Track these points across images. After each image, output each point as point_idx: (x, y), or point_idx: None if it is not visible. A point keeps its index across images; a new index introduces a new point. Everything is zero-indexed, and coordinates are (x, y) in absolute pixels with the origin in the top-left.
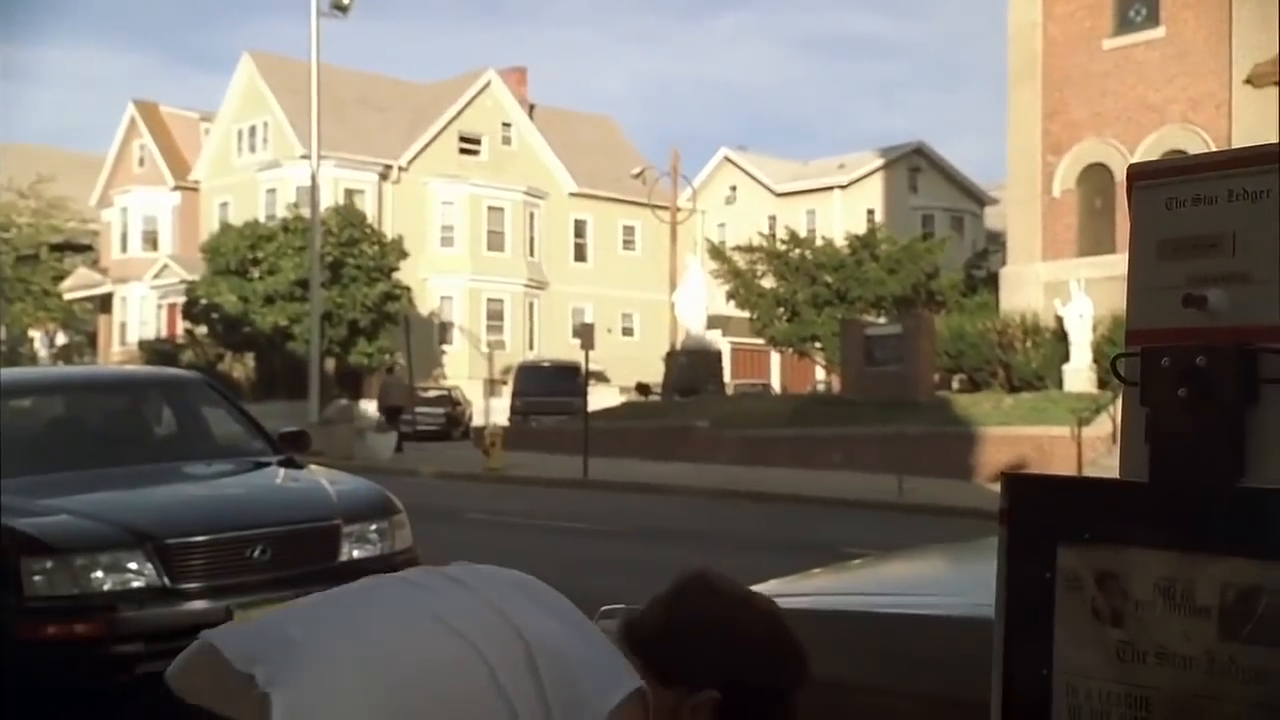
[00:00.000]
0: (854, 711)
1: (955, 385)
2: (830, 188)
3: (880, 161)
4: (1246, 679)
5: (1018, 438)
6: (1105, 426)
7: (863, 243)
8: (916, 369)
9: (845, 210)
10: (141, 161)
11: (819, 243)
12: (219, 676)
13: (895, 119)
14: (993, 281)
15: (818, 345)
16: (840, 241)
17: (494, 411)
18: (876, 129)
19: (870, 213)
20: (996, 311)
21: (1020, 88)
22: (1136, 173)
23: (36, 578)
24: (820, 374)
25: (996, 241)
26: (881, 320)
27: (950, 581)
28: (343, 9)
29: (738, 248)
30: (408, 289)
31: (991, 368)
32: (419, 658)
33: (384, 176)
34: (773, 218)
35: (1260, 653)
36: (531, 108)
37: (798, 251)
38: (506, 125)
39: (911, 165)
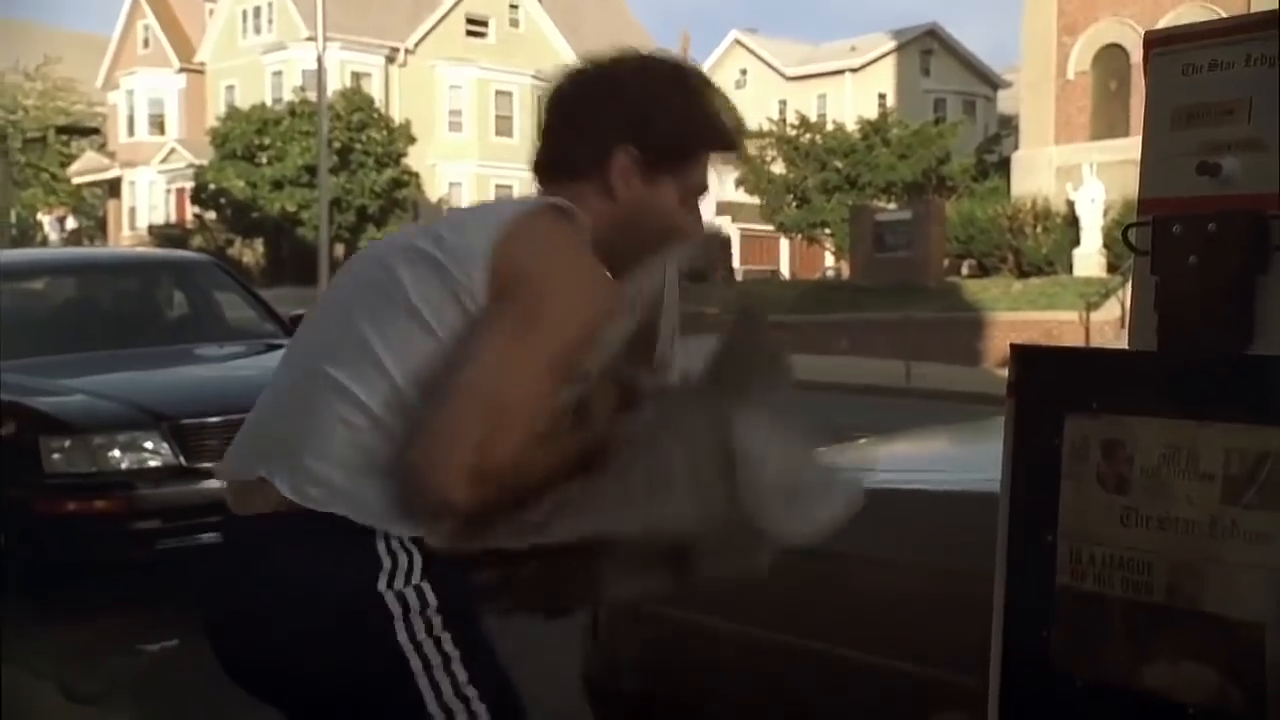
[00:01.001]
0: (858, 582)
1: (965, 271)
2: (841, 71)
3: (892, 44)
4: (1248, 541)
5: (1026, 323)
6: (1114, 311)
7: (874, 127)
8: (926, 255)
9: (856, 94)
10: (146, 43)
11: (829, 127)
12: None
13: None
14: (1004, 166)
15: (827, 231)
16: (851, 126)
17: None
18: (888, 10)
19: (882, 97)
20: (1008, 197)
21: None
22: (1154, 40)
23: (55, 455)
24: (829, 260)
25: (1009, 126)
26: (892, 206)
27: (955, 458)
28: None
29: (747, 134)
30: (416, 175)
31: (1001, 253)
32: None
33: (391, 59)
34: (783, 102)
35: (1262, 517)
36: None
37: (808, 136)
38: (514, 7)
39: (924, 48)
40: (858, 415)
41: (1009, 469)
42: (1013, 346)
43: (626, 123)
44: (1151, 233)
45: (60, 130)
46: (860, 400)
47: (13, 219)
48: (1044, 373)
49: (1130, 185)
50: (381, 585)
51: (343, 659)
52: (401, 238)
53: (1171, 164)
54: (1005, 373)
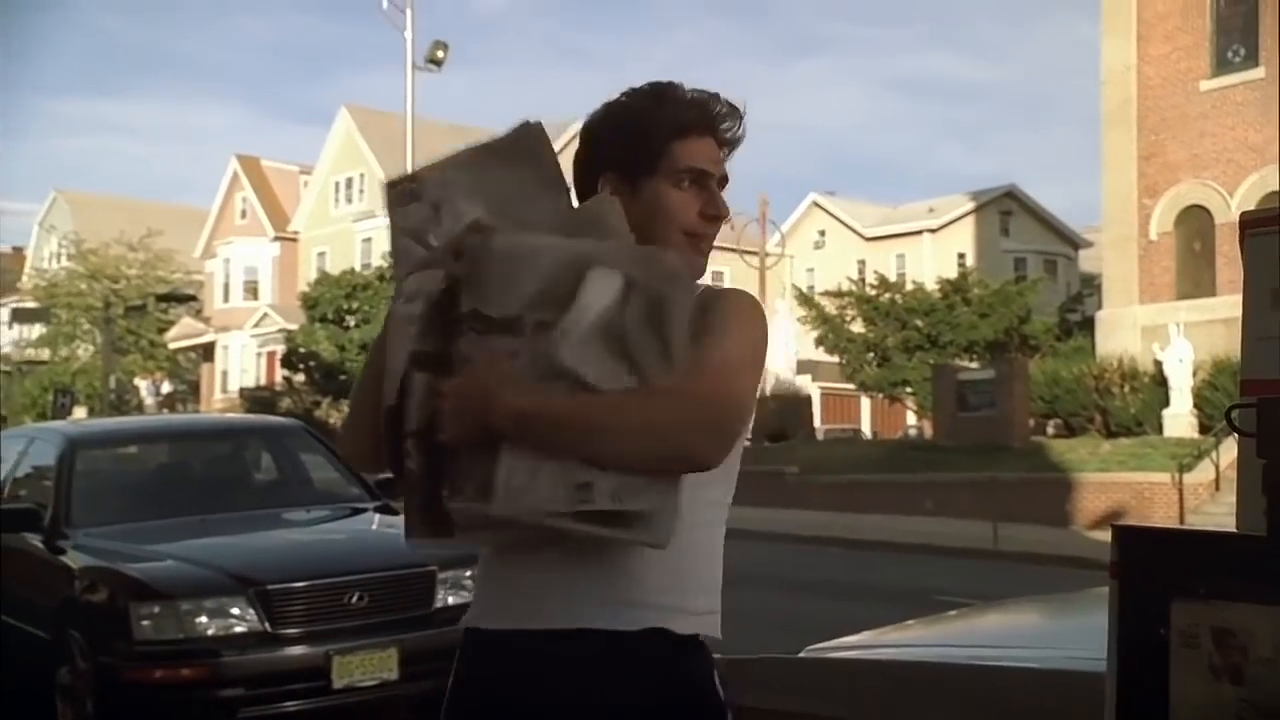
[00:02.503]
0: None
1: (1050, 431)
2: (920, 231)
3: (971, 204)
4: None
5: (1116, 484)
6: (1208, 473)
7: (954, 286)
8: (1010, 414)
9: (935, 254)
10: (243, 214)
11: (909, 287)
12: None
13: (986, 161)
14: (1088, 325)
15: (909, 390)
16: (931, 285)
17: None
18: (967, 171)
19: (961, 256)
20: (1092, 356)
21: (1115, 130)
22: (1249, 221)
23: (144, 622)
24: (911, 419)
25: (1091, 285)
26: (974, 365)
27: (1049, 634)
28: (437, 63)
29: (827, 292)
30: None
31: (1088, 413)
32: None
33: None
34: (862, 262)
35: None
36: None
37: (887, 296)
38: None
39: (1003, 208)
40: (946, 578)
41: (1114, 655)
42: (1114, 527)
43: (592, 156)
44: (1257, 414)
45: (160, 298)
46: (947, 562)
47: (112, 384)
48: (1148, 554)
49: (1218, 345)
50: None
51: None
52: None
53: (1273, 344)
54: (1095, 535)
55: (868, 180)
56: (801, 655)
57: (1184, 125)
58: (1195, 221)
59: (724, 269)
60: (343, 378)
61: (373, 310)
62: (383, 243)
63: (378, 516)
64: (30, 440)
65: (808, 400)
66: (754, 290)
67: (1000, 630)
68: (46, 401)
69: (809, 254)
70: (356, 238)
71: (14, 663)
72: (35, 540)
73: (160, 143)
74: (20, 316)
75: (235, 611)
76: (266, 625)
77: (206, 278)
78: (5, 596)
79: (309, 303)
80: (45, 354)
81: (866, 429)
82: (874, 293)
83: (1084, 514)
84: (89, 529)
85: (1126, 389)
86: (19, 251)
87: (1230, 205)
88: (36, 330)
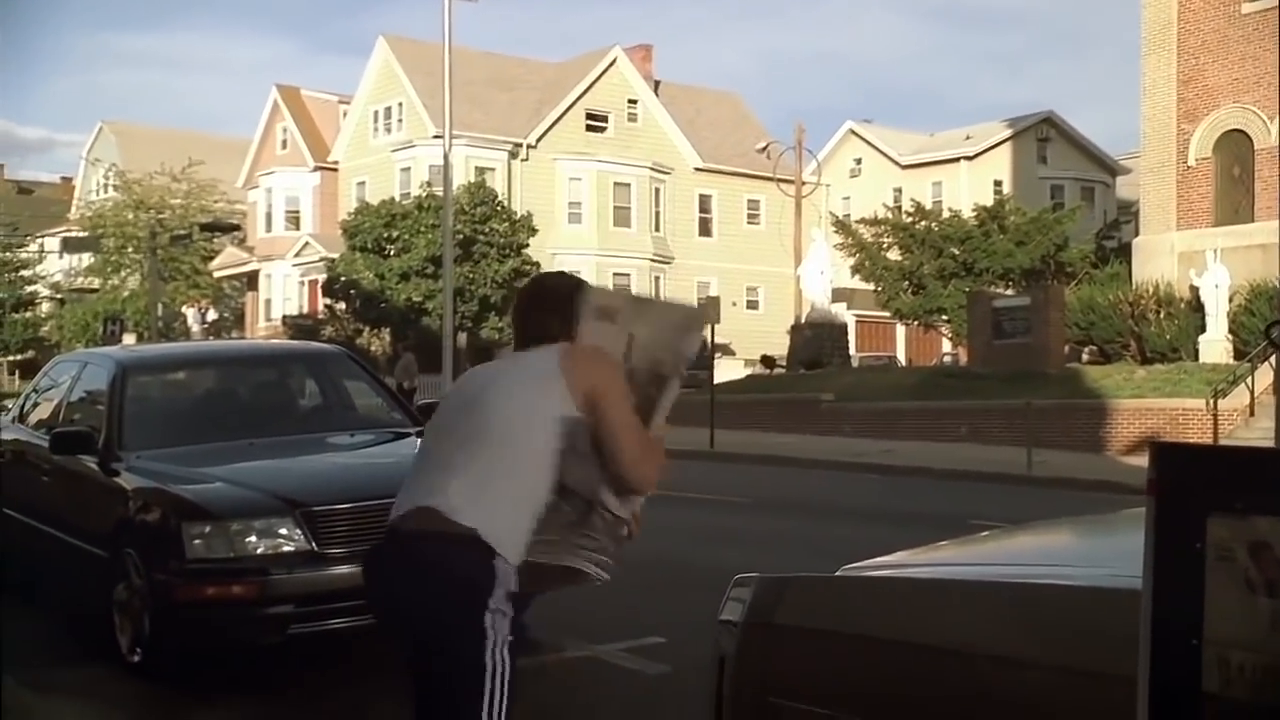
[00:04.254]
0: (983, 681)
1: (1085, 358)
2: (957, 159)
3: (1008, 132)
4: None
5: (1150, 410)
6: (1242, 399)
7: (990, 214)
8: (1046, 341)
9: (972, 182)
10: (284, 144)
11: (945, 215)
12: None
13: (1022, 89)
14: (1124, 252)
15: (944, 318)
16: (967, 213)
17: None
18: (1003, 99)
19: (998, 184)
20: (1128, 282)
21: (1154, 55)
22: None
23: (196, 541)
24: (946, 347)
25: (1128, 211)
26: (1009, 293)
27: (1084, 552)
28: None
29: (863, 221)
30: (537, 265)
31: (1123, 340)
32: None
33: (513, 154)
34: (898, 190)
35: None
36: (657, 84)
37: (924, 224)
38: (632, 102)
39: (1040, 135)
40: (980, 503)
41: (1150, 570)
42: (1152, 444)
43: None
44: None
45: (203, 228)
46: (981, 488)
47: (159, 312)
48: (1185, 471)
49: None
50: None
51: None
52: None
53: None
54: (1130, 460)
55: (904, 109)
56: (837, 574)
57: (1224, 48)
58: (1234, 146)
59: (759, 197)
60: (382, 305)
61: (411, 239)
62: (421, 172)
63: (419, 441)
64: (83, 365)
65: (843, 328)
66: (789, 218)
67: (1034, 549)
68: (96, 329)
69: (845, 182)
70: (395, 167)
71: (74, 580)
72: (90, 462)
73: (203, 75)
74: (70, 246)
75: (283, 532)
76: (313, 545)
77: (249, 207)
78: (63, 516)
79: (349, 232)
80: (95, 283)
81: (901, 356)
82: (910, 220)
83: (1118, 440)
84: (140, 452)
85: (1162, 315)
86: (68, 182)
87: (1271, 130)
88: (86, 259)
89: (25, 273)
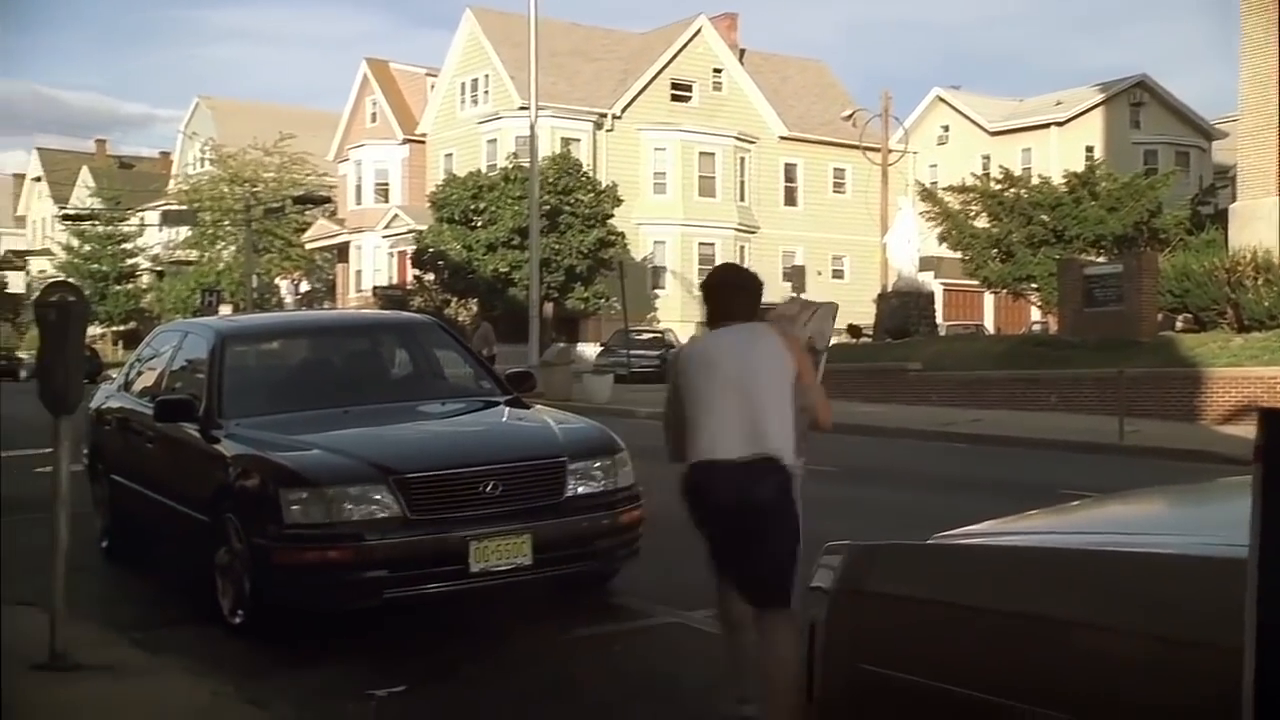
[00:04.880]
0: (1076, 649)
1: (1179, 325)
2: (1047, 125)
3: (1100, 97)
4: None
5: (1247, 379)
6: None
7: (1081, 180)
8: (1138, 308)
9: (1063, 148)
10: (373, 117)
11: (1035, 181)
12: None
13: (1115, 52)
14: (1220, 218)
15: (1033, 286)
16: (1057, 180)
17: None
18: (1095, 63)
19: (1089, 150)
20: (1224, 249)
21: (1255, 14)
22: None
23: (294, 507)
24: (1036, 315)
25: (1224, 176)
26: (1101, 260)
27: (1180, 521)
28: None
29: (950, 188)
30: (622, 235)
31: (1219, 307)
32: None
33: (599, 125)
34: (986, 157)
35: None
36: (742, 53)
37: (1013, 191)
38: (717, 71)
39: (1133, 100)
40: (1071, 472)
41: (1258, 538)
42: (1261, 410)
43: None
44: None
45: (295, 200)
46: (1072, 457)
47: (253, 283)
48: None
49: None
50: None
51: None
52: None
53: None
54: (1225, 429)
55: (993, 74)
56: (929, 542)
57: None
58: None
59: (845, 166)
60: (469, 276)
61: (498, 211)
62: (507, 144)
63: (509, 410)
64: (184, 335)
65: (930, 296)
66: (876, 187)
67: (1128, 517)
68: (194, 300)
69: (932, 150)
70: (482, 139)
71: (177, 544)
72: (192, 430)
73: (294, 49)
74: (169, 219)
75: (377, 498)
76: (407, 512)
77: (339, 180)
78: (167, 482)
79: (437, 203)
80: (192, 255)
81: (989, 325)
82: (999, 188)
83: (1213, 409)
84: (240, 419)
85: (1260, 282)
86: (166, 156)
87: None
88: (184, 232)
89: (127, 246)
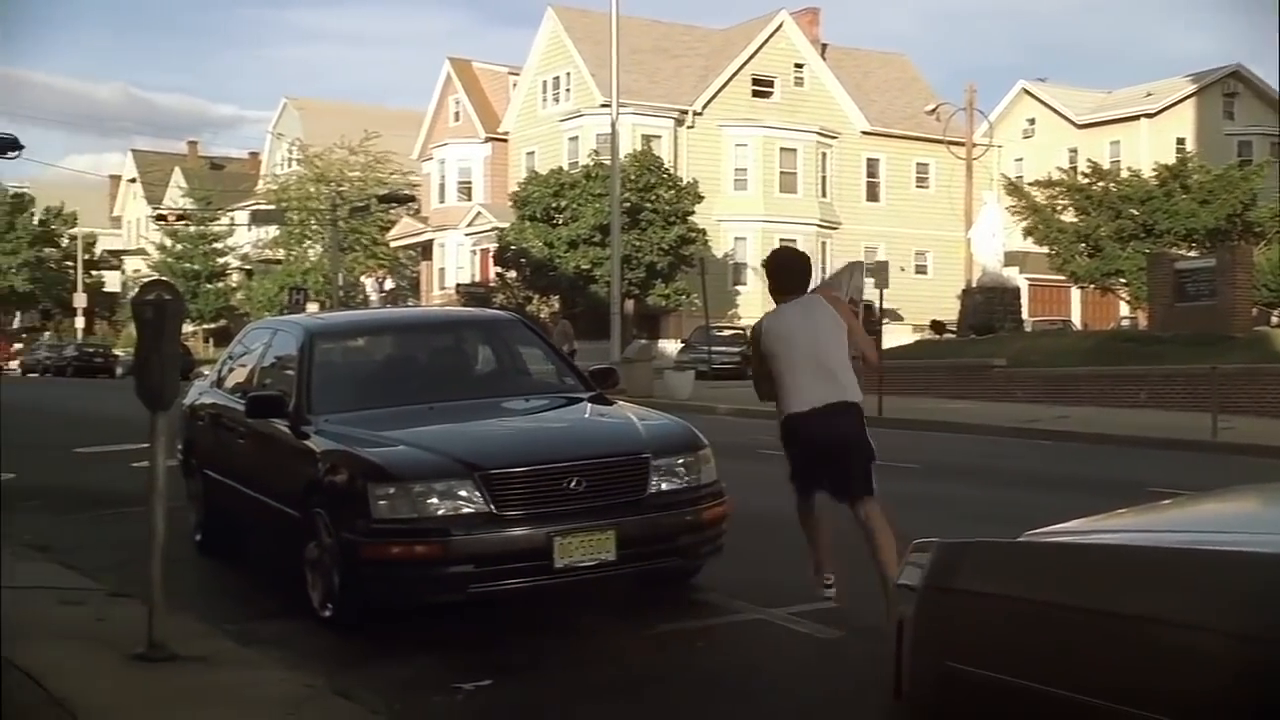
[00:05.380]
0: (1170, 649)
1: (1274, 320)
2: (1136, 117)
3: (1192, 87)
4: None
5: None
6: None
7: (1172, 173)
8: (1232, 303)
9: (1153, 140)
10: (456, 116)
11: (1124, 174)
12: None
13: (1208, 41)
14: None
15: (1122, 281)
16: (1147, 173)
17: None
18: (1187, 53)
19: (1180, 141)
20: None
21: None
22: None
23: (381, 502)
24: (1124, 310)
25: None
26: (1193, 254)
27: (1273, 520)
28: None
29: (1036, 182)
30: (702, 231)
31: None
32: None
33: (679, 122)
34: (1073, 150)
35: None
36: (824, 48)
37: (1101, 184)
38: (799, 66)
39: (1227, 90)
40: (1161, 470)
41: None
42: None
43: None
44: None
45: (380, 199)
46: (1161, 454)
47: (339, 281)
48: None
49: None
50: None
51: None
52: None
53: None
54: None
55: (1081, 66)
56: (1019, 540)
57: None
58: None
59: (929, 160)
60: (551, 274)
61: (579, 208)
62: (589, 141)
63: (592, 406)
64: (274, 332)
65: (1015, 292)
66: (960, 181)
67: (1222, 516)
68: (282, 299)
69: (1017, 143)
70: (563, 137)
71: (268, 538)
72: (281, 425)
73: (379, 49)
74: (258, 219)
75: (463, 494)
76: (492, 507)
77: (423, 179)
78: (258, 477)
79: (519, 201)
80: (280, 254)
81: (1076, 320)
82: (1086, 181)
83: None
84: (328, 415)
85: None
86: (255, 157)
87: None
88: (272, 231)
89: (217, 245)
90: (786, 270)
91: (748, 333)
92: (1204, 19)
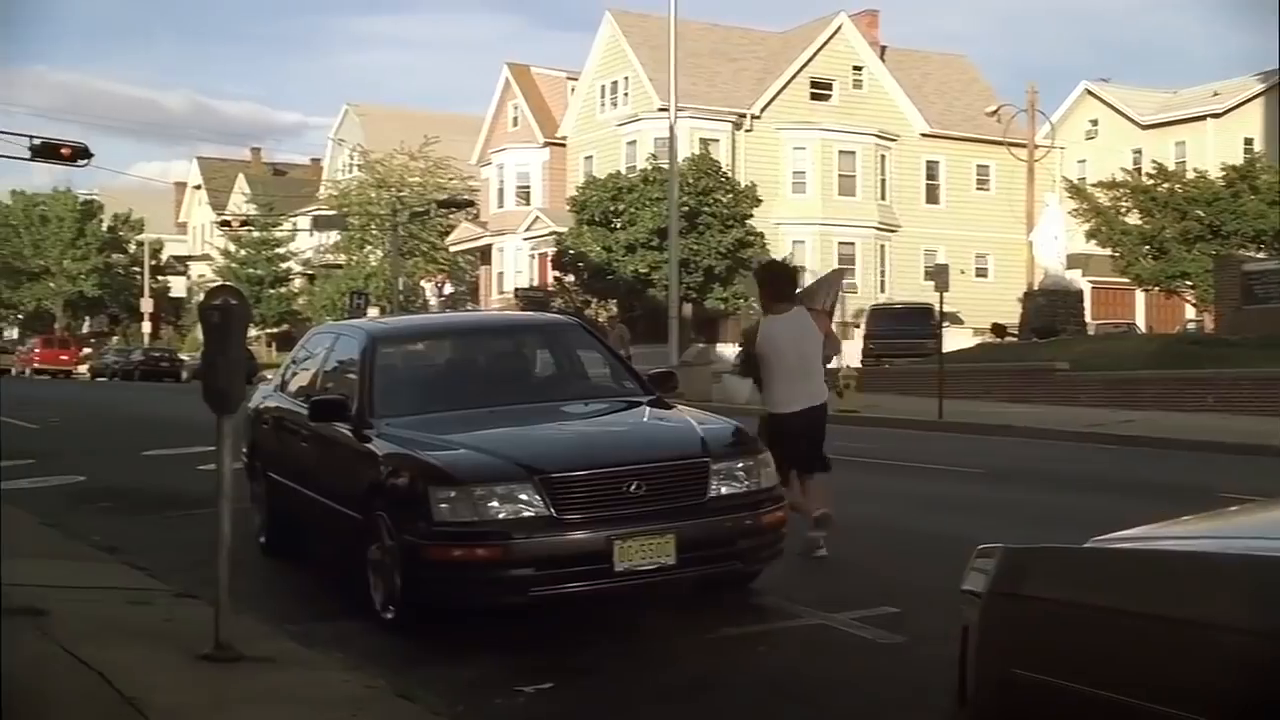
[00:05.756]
0: (1245, 658)
1: None
2: (1203, 117)
3: (1260, 86)
4: None
5: None
6: None
7: (1240, 174)
8: None
9: (1220, 140)
10: (515, 121)
11: (1190, 175)
12: None
13: (1275, 39)
14: None
15: (1188, 283)
16: (1215, 174)
17: (846, 354)
18: (1255, 52)
19: (1248, 141)
20: None
21: None
22: None
23: (442, 505)
24: (1190, 313)
25: None
26: (1261, 256)
27: None
28: None
29: (1100, 184)
30: (760, 235)
31: None
32: None
33: (737, 125)
34: (1138, 151)
35: None
36: (883, 50)
37: (1166, 185)
38: (858, 69)
39: None
40: (1230, 475)
41: None
42: None
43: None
44: None
45: (440, 204)
46: (1231, 459)
47: (400, 286)
48: None
49: None
50: None
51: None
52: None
53: None
54: None
55: (1145, 66)
56: (1087, 546)
57: None
58: None
59: (989, 162)
60: (609, 277)
61: (637, 212)
62: (646, 146)
63: (652, 410)
64: (336, 337)
65: (1078, 295)
66: (1021, 183)
67: None
68: (343, 303)
69: (1080, 145)
70: (621, 141)
71: (331, 539)
72: (344, 429)
73: (438, 54)
74: (319, 224)
75: (523, 497)
76: (552, 511)
77: (482, 184)
78: (321, 480)
79: (577, 206)
80: (341, 259)
81: (1141, 324)
82: (1151, 182)
83: None
84: (390, 419)
85: None
86: (316, 163)
87: None
88: (333, 237)
89: (280, 250)
90: (780, 281)
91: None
92: (1271, 17)
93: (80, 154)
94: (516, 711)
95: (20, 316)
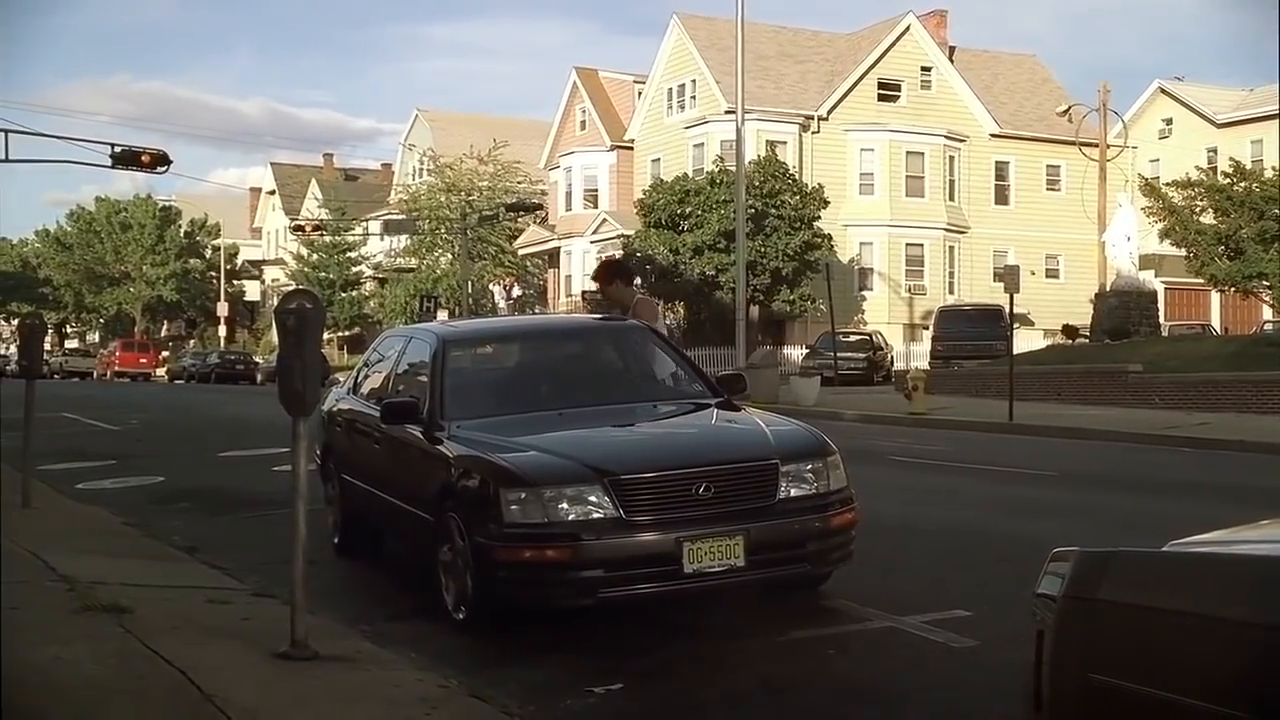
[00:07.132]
0: None
1: None
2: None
3: None
4: None
5: None
6: None
7: None
8: None
9: None
10: (583, 124)
11: (1268, 174)
12: None
13: None
14: None
15: (1265, 284)
16: None
17: (914, 356)
18: None
19: None
20: None
21: None
22: None
23: (513, 507)
24: (1268, 314)
25: None
26: None
27: None
28: None
29: (1173, 183)
30: (828, 237)
31: None
32: None
33: (804, 127)
34: (1213, 150)
35: None
36: (952, 50)
37: (1242, 185)
38: (926, 69)
39: None
40: None
41: None
42: None
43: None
44: None
45: (508, 208)
46: None
47: (469, 289)
48: None
49: None
50: None
51: None
52: None
53: None
54: None
55: (1220, 63)
56: (1166, 549)
57: None
58: None
59: (1060, 162)
60: (676, 280)
61: (704, 214)
62: (713, 148)
63: (720, 412)
64: (408, 340)
65: (1152, 295)
66: (1093, 183)
67: None
68: (413, 306)
69: (1153, 144)
70: (688, 144)
71: (403, 540)
72: (415, 431)
73: (507, 60)
74: (390, 228)
75: (593, 499)
76: (621, 512)
77: (550, 187)
78: (393, 481)
79: (644, 208)
80: (411, 262)
81: (1216, 325)
82: (1227, 182)
83: None
84: (460, 421)
85: None
86: (387, 168)
87: None
88: (403, 241)
89: (351, 254)
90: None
91: (874, 339)
92: None
93: (160, 161)
94: (587, 712)
95: (102, 320)
